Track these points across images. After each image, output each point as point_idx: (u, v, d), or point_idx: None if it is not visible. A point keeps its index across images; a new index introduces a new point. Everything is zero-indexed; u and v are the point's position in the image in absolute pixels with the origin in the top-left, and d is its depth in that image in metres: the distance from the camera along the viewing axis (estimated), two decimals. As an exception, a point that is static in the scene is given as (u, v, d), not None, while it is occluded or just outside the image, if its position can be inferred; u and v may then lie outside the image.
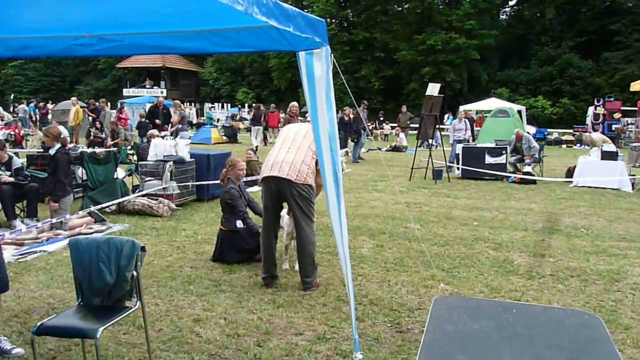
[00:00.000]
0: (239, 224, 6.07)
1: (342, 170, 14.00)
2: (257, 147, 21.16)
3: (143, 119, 18.47)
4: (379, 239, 7.07)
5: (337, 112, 33.23)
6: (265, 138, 25.00)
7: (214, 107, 44.49)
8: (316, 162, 5.07)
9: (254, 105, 26.85)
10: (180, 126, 16.16)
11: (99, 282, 3.44)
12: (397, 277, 5.50)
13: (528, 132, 16.21)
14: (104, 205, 8.04)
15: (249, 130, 24.62)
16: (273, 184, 4.99)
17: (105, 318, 3.25)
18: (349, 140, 17.86)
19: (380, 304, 4.75)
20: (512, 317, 2.30)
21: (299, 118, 15.81)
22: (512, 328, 2.18)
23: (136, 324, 4.23)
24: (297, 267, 5.63)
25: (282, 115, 30.35)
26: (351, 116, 17.72)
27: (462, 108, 24.48)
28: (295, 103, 14.35)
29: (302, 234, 5.00)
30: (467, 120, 16.65)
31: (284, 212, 5.92)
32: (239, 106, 43.02)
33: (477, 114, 29.32)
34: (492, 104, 26.40)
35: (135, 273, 3.46)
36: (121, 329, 4.17)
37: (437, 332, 2.09)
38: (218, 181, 6.61)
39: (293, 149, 5.06)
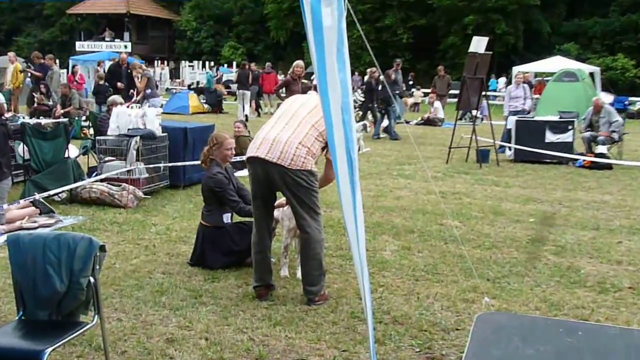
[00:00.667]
0: (226, 218, 6.10)
1: (359, 150, 14.08)
2: (246, 116, 21.21)
3: (102, 82, 18.53)
4: (405, 240, 7.09)
5: (354, 74, 33.23)
6: (258, 107, 25.00)
7: (193, 65, 44.51)
8: (325, 148, 5.13)
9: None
10: (149, 91, 16.14)
11: (46, 290, 3.48)
12: (429, 289, 5.51)
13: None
14: (51, 192, 8.11)
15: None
16: (260, 167, 5.01)
17: (54, 337, 3.29)
18: (376, 113, 17.82)
19: (406, 323, 4.76)
20: (578, 341, 2.30)
21: (303, 81, 15.77)
22: (577, 355, 2.18)
23: (93, 345, 4.27)
24: (298, 273, 5.66)
25: (280, 77, 30.32)
26: (382, 78, 17.59)
27: (516, 69, 24.37)
28: (300, 62, 14.29)
29: (305, 231, 5.04)
30: (525, 85, 16.55)
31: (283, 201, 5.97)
32: (216, 67, 42.91)
33: (535, 77, 29.19)
34: (555, 64, 26.25)
35: (92, 279, 3.50)
36: (74, 350, 4.21)
37: (479, 359, 2.10)
38: (198, 162, 6.62)
39: (291, 125, 5.06)
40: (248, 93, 22.89)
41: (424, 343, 4.43)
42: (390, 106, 17.40)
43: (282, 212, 5.81)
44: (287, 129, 5.04)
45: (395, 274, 5.94)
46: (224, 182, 5.93)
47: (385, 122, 17.79)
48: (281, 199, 5.55)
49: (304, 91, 15.17)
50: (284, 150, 4.91)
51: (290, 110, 5.22)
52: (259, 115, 23.98)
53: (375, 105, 17.75)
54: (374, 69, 18.28)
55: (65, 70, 30.98)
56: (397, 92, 17.84)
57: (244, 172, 10.37)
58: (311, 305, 5.04)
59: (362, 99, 17.85)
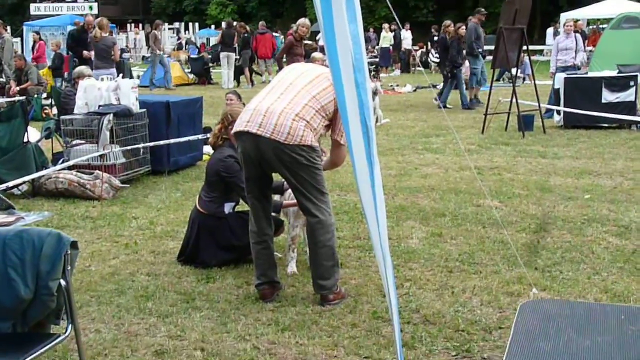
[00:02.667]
0: (229, 208, 6.13)
1: (377, 122, 14.06)
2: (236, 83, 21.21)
3: (58, 51, 18.56)
4: (435, 225, 7.10)
5: (369, 31, 32.97)
6: (252, 74, 24.91)
7: (174, 29, 44.46)
8: (329, 127, 5.16)
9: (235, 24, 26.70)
10: (125, 56, 16.11)
11: (8, 297, 3.50)
12: (466, 282, 5.53)
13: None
14: (10, 184, 8.15)
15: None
16: (251, 144, 5.01)
17: (19, 352, 3.31)
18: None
19: (439, 323, 4.78)
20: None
21: (306, 42, 15.71)
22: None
23: (68, 361, 4.33)
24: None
25: (280, 37, 30.19)
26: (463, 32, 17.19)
27: (565, 17, 24.20)
28: (306, 21, 14.23)
29: (313, 214, 5.06)
30: (577, 35, 16.43)
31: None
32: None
33: (588, 25, 28.97)
34: (613, 8, 26.02)
35: (63, 283, 3.51)
36: (46, 368, 4.27)
37: (525, 353, 2.11)
38: (182, 140, 6.65)
39: (287, 95, 5.04)
40: (233, 55, 22.85)
41: (461, 345, 4.43)
42: (457, 68, 17.19)
43: (288, 198, 5.87)
44: (282, 99, 5.03)
45: (425, 265, 5.94)
46: (235, 169, 5.90)
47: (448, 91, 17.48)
48: (290, 201, 5.70)
49: (307, 54, 15.22)
50: (278, 123, 4.90)
51: (287, 80, 5.21)
52: (253, 85, 23.93)
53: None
54: (448, 21, 18.05)
55: (19, 39, 31.04)
56: (480, 50, 17.52)
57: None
58: (325, 305, 5.07)
59: (438, 61, 17.44)
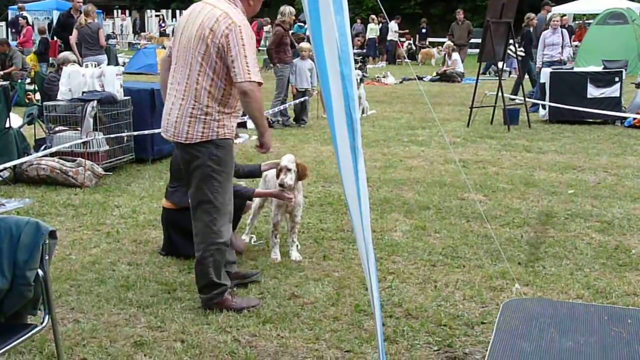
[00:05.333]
0: None
1: (362, 113, 14.05)
2: None
3: (43, 36, 18.40)
4: (419, 218, 7.09)
5: (356, 22, 32.97)
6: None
7: (160, 15, 44.26)
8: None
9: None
10: (112, 42, 15.97)
11: (-15, 287, 3.47)
12: (448, 276, 5.52)
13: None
14: (-8, 170, 8.10)
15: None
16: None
17: (-3, 342, 3.29)
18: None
19: (422, 317, 4.77)
20: (627, 331, 2.29)
21: (294, 32, 15.62)
22: (626, 347, 2.18)
23: (45, 352, 4.26)
24: (292, 255, 5.85)
25: (266, 28, 30.13)
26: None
27: (552, 11, 24.20)
28: (289, 8, 14.16)
29: (196, 227, 4.90)
30: (563, 30, 16.43)
31: (270, 173, 6.01)
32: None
33: (574, 20, 29.05)
34: (599, 3, 26.03)
35: (41, 272, 3.48)
36: (21, 359, 4.21)
37: (507, 353, 2.09)
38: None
39: (181, 75, 4.72)
40: None
41: (443, 340, 4.42)
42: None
43: (271, 184, 5.93)
44: (177, 82, 4.75)
45: (408, 258, 5.93)
46: None
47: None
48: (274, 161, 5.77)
49: (297, 42, 15.15)
50: (178, 120, 4.70)
51: (181, 47, 4.75)
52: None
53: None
54: (531, 14, 17.70)
55: (3, 23, 30.77)
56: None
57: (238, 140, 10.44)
58: (206, 310, 4.90)
59: (523, 54, 16.93)
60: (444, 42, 26.51)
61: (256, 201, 6.35)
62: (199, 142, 4.67)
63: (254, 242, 6.36)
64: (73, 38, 15.29)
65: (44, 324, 3.51)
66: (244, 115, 11.65)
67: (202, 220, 4.80)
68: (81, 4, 17.05)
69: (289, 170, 5.70)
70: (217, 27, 4.54)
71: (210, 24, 4.57)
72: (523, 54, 16.35)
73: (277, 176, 5.75)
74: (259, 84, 4.60)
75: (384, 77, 22.50)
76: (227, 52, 4.52)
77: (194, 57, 4.64)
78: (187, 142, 4.69)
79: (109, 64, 14.46)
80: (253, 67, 4.55)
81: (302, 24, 25.27)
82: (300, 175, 5.85)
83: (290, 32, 14.75)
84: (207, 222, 4.77)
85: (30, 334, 3.44)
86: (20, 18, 26.47)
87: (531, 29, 17.33)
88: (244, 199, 5.79)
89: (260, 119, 4.75)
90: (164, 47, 28.59)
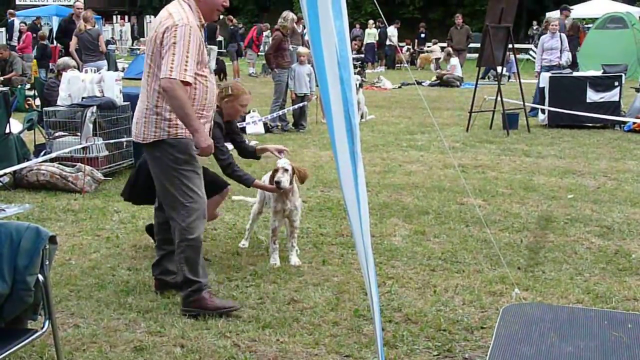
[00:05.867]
0: None
1: (362, 118, 14.05)
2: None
3: (43, 42, 18.40)
4: (419, 223, 7.09)
5: (355, 27, 32.94)
6: (237, 71, 24.84)
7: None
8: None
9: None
10: (111, 47, 15.95)
11: (-15, 292, 3.47)
12: (448, 281, 5.52)
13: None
14: (-9, 175, 8.09)
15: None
16: None
17: (-3, 347, 3.28)
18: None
19: (421, 322, 4.77)
20: (627, 335, 2.30)
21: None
22: (627, 351, 2.18)
23: (45, 357, 4.25)
24: (292, 260, 5.85)
25: (265, 33, 30.17)
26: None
27: (550, 15, 24.24)
28: (290, 14, 14.18)
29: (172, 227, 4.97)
30: (562, 34, 16.44)
31: (267, 177, 6.02)
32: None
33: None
34: (598, 7, 26.17)
35: (41, 278, 3.48)
36: (23, 363, 4.22)
37: (507, 358, 2.09)
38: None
39: (142, 79, 4.88)
40: (215, 48, 22.82)
41: (442, 345, 4.42)
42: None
43: (268, 193, 5.95)
44: (142, 86, 4.89)
45: (407, 263, 5.93)
46: (216, 135, 5.82)
47: None
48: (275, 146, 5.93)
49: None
50: (138, 120, 4.85)
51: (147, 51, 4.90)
52: (238, 75, 23.85)
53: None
54: (552, 18, 17.23)
55: (3, 29, 30.77)
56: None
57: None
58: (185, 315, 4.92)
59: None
60: (443, 47, 26.54)
61: (255, 207, 6.38)
62: (153, 142, 4.77)
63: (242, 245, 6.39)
64: (72, 44, 15.29)
65: (44, 329, 3.51)
66: (242, 120, 11.68)
67: (172, 217, 4.88)
68: (82, 10, 17.08)
69: (285, 170, 5.73)
70: (159, 28, 4.66)
71: (156, 26, 4.72)
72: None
73: (272, 177, 5.80)
74: (185, 83, 4.55)
75: (377, 81, 22.44)
76: (161, 50, 4.61)
77: (146, 60, 4.81)
78: (144, 142, 4.82)
79: (108, 70, 14.44)
80: (179, 65, 4.52)
81: None
82: (302, 178, 5.88)
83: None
84: (176, 219, 4.85)
85: (30, 339, 3.44)
86: (21, 24, 26.52)
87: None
88: (243, 184, 5.91)
89: (186, 118, 4.61)
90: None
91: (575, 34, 15.77)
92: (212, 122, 5.80)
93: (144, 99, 4.79)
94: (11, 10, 29.88)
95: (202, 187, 4.92)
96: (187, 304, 4.90)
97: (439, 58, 28.37)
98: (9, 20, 28.43)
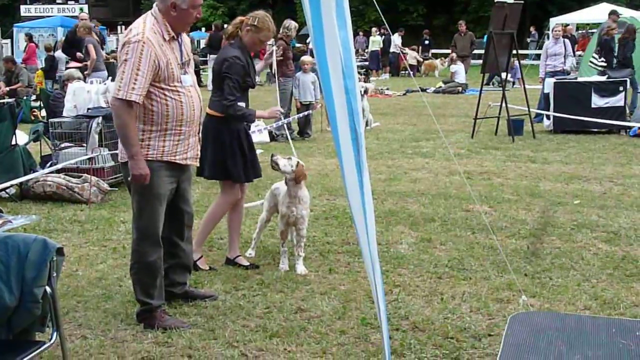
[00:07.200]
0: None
1: (367, 125, 14.06)
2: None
3: (50, 53, 18.46)
4: (425, 230, 7.09)
5: (358, 34, 33.02)
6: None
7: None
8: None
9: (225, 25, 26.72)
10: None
11: (-6, 304, 3.47)
12: (455, 288, 5.52)
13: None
14: (-2, 187, 8.11)
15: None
16: None
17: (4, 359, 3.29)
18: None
19: (428, 330, 4.77)
20: (636, 343, 2.29)
21: (296, 45, 15.64)
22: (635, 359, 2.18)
23: (54, 368, 4.28)
24: (298, 269, 5.86)
25: (269, 43, 30.19)
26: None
27: (554, 21, 24.27)
28: (292, 22, 14.21)
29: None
30: (566, 40, 16.40)
31: (281, 187, 6.11)
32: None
33: (577, 30, 29.07)
34: (602, 12, 26.01)
35: (48, 289, 3.49)
36: (31, 375, 4.22)
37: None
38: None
39: None
40: None
41: (450, 353, 4.42)
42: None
43: (279, 198, 6.06)
44: None
45: (414, 271, 5.93)
46: (233, 69, 5.80)
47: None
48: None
49: (297, 57, 15.16)
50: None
51: None
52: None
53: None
54: (611, 23, 16.46)
55: (9, 41, 30.91)
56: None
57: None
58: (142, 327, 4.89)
59: (604, 65, 16.08)
60: (447, 54, 26.55)
61: (262, 215, 6.39)
62: (124, 163, 4.80)
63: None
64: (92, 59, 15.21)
65: (52, 341, 3.52)
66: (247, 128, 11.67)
67: (132, 236, 4.93)
68: (87, 20, 17.14)
69: (289, 159, 5.87)
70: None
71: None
72: (605, 64, 16.04)
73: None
74: (129, 103, 4.51)
75: (387, 89, 22.50)
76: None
77: None
78: (121, 160, 4.86)
79: (113, 80, 14.43)
80: (127, 84, 4.48)
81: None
82: (297, 177, 5.90)
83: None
84: (134, 239, 4.88)
85: (38, 350, 3.44)
86: (25, 36, 26.63)
87: (609, 38, 16.59)
88: (248, 122, 6.08)
89: (124, 139, 4.63)
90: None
91: (631, 36, 15.48)
92: (234, 55, 5.78)
93: None
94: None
95: (161, 213, 4.84)
96: (139, 320, 4.94)
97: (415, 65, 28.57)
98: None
